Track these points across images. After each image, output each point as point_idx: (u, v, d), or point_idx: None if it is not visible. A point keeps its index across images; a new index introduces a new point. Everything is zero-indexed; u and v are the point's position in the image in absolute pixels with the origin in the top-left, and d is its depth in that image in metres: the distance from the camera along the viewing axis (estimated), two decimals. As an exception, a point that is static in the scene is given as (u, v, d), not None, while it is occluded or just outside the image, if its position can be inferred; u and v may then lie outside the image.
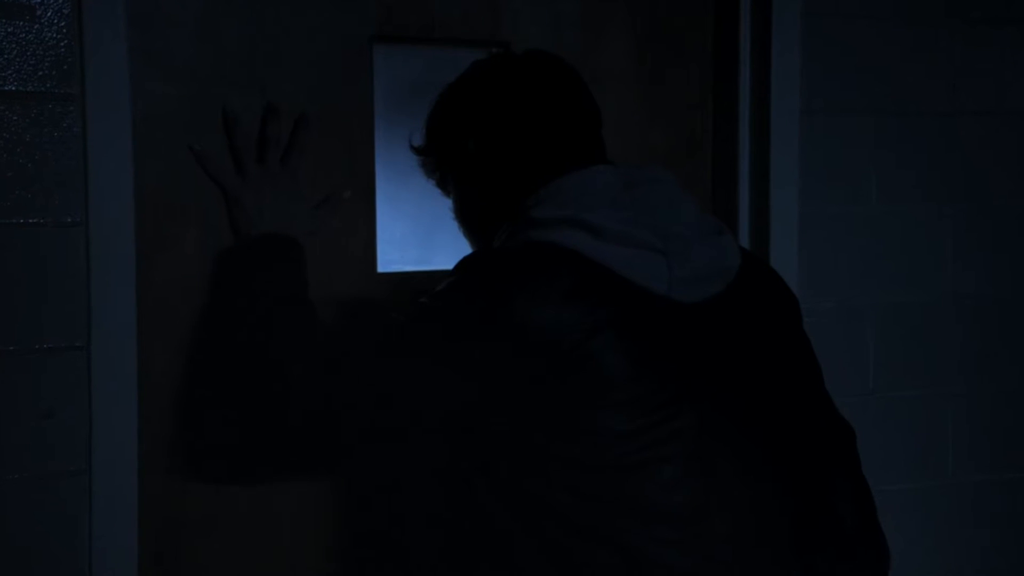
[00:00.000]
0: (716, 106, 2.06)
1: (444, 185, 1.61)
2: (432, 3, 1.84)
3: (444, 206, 1.66)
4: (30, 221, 1.60)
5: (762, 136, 2.02)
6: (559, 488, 1.31)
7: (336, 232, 1.80)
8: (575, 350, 1.28)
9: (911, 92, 2.14)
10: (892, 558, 1.53)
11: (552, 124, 1.48)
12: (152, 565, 1.71)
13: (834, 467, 1.49)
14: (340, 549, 1.83)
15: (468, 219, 1.58)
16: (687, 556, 1.32)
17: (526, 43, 1.88)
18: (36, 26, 1.60)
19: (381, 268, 1.84)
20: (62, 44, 1.62)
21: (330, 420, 1.37)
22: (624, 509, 1.31)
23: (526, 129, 1.48)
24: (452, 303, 1.34)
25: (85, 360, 1.62)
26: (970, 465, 2.23)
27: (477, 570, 1.38)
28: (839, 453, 1.51)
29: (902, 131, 2.13)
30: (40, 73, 1.61)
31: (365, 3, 1.80)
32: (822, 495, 1.47)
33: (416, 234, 1.87)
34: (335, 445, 1.42)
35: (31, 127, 1.60)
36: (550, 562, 1.32)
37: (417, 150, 1.62)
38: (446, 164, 1.57)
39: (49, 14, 1.61)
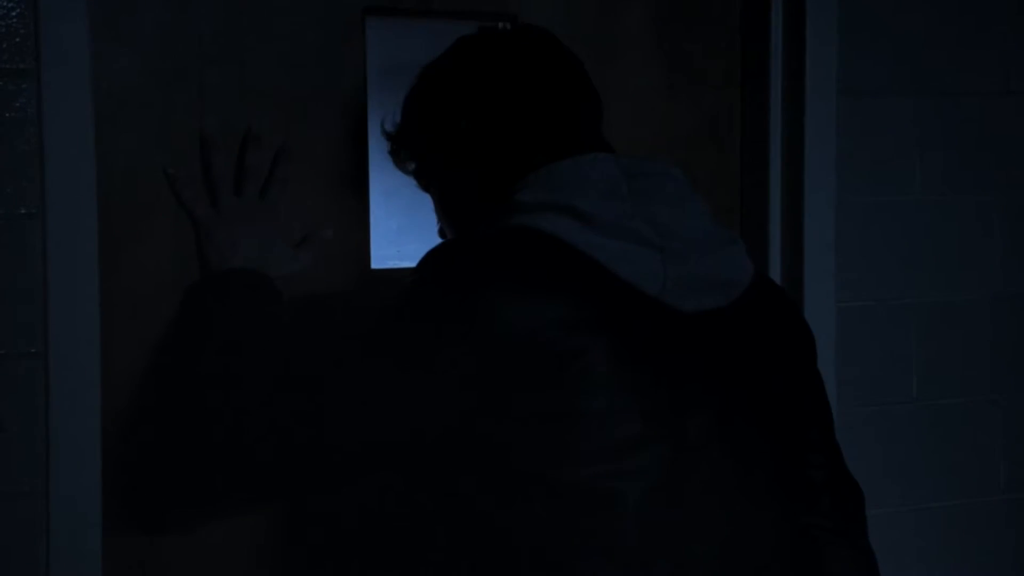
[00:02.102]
0: (744, 85, 1.99)
1: (424, 175, 1.52)
2: (432, -29, 1.77)
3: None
4: (-22, 212, 1.51)
5: (795, 119, 1.95)
6: (522, 514, 1.23)
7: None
8: (552, 351, 1.20)
9: (961, 71, 2.07)
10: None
11: (552, 105, 1.40)
12: (118, 599, 1.62)
13: (840, 535, 1.41)
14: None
15: (454, 212, 1.49)
16: None
17: (535, 15, 1.80)
18: (-17, -7, 1.50)
19: (375, 264, 1.77)
20: (14, 13, 1.51)
21: (297, 450, 1.30)
22: (588, 543, 1.22)
23: (525, 108, 1.40)
24: (419, 302, 1.27)
25: (42, 368, 1.53)
26: (1024, 480, 2.16)
27: None
28: (846, 518, 1.42)
29: (950, 114, 2.06)
30: (-12, 46, 1.51)
31: (357, -30, 1.73)
32: (821, 563, 1.38)
33: (412, 228, 1.78)
34: (302, 476, 1.35)
35: (-22, 107, 1.51)
36: None
37: (394, 135, 1.53)
38: (432, 149, 1.47)
39: (-2, -21, 1.51)
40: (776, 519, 1.33)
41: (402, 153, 1.53)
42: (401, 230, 1.80)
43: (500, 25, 1.80)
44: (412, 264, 1.63)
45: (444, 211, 1.51)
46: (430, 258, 1.31)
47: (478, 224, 1.39)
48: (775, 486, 1.33)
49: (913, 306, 2.05)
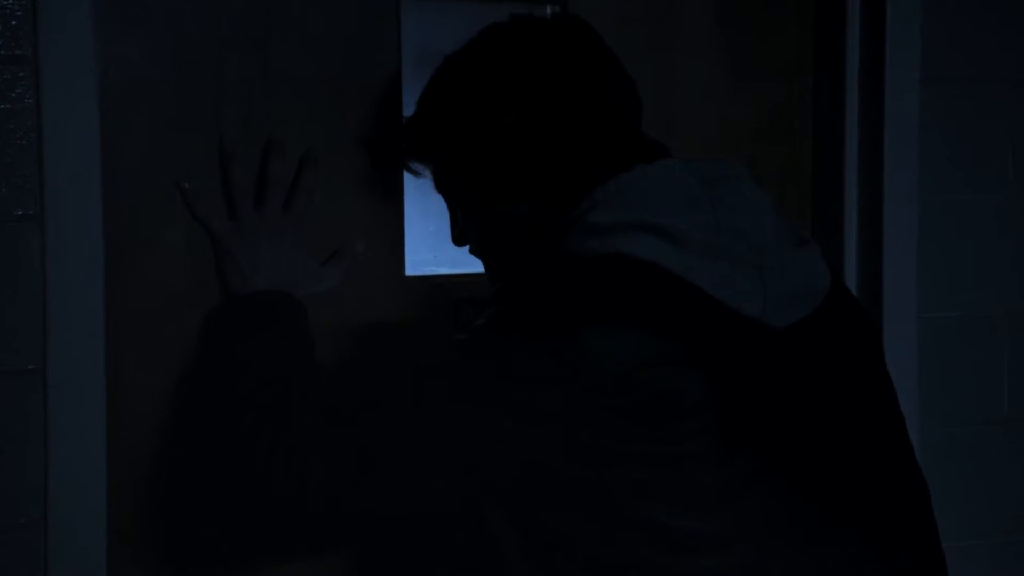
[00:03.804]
0: (817, 73, 1.93)
1: (447, 179, 1.46)
2: (474, -51, 1.72)
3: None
4: (-31, 214, 1.47)
5: (874, 111, 1.88)
6: (624, 554, 1.20)
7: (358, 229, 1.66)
8: (653, 391, 1.17)
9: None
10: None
11: (602, 105, 1.35)
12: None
13: (910, 541, 1.36)
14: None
15: (493, 232, 1.42)
16: None
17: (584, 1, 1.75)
18: (-26, -30, 1.43)
19: (410, 271, 1.71)
20: (8, -7, 1.46)
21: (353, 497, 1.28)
22: None
23: (575, 108, 1.33)
24: (507, 339, 1.21)
25: (40, 386, 1.47)
26: None
27: None
28: (916, 520, 1.38)
29: (1047, 105, 2.00)
30: (-19, 30, 1.44)
31: (391, -52, 1.68)
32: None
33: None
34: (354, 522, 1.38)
35: (-30, 97, 1.46)
36: None
37: (416, 135, 1.46)
38: (463, 154, 1.39)
39: (-9, -45, 1.45)
40: (860, 549, 1.29)
41: (416, 153, 1.48)
42: (439, 233, 1.72)
43: (549, 10, 1.75)
44: (451, 271, 1.73)
45: (474, 225, 1.45)
46: (517, 290, 1.27)
47: (533, 245, 1.34)
48: (861, 510, 1.30)
49: (1004, 316, 1.99)
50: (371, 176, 1.66)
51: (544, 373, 1.18)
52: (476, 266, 1.68)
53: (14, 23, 1.43)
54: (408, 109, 1.64)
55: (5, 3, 1.42)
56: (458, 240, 1.49)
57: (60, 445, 1.47)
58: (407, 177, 1.66)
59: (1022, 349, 1.99)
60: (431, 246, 1.73)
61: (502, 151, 1.35)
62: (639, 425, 1.17)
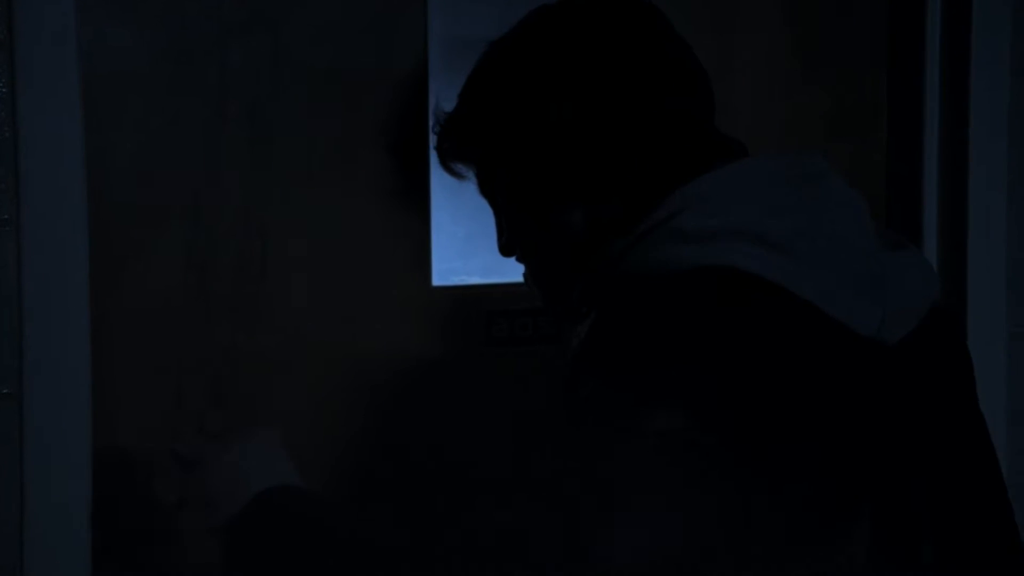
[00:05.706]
0: (894, 61, 1.88)
1: (495, 184, 1.38)
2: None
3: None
4: (-64, 219, 1.44)
5: (957, 103, 1.82)
6: None
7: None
8: (772, 428, 1.11)
9: None
10: None
11: (680, 95, 1.29)
12: None
13: None
14: None
15: (545, 239, 1.35)
16: None
17: (635, -23, 1.72)
18: (-60, -56, 1.38)
19: (437, 281, 1.68)
20: (-21, -31, 1.41)
21: None
22: None
23: (648, 95, 1.27)
24: (632, 373, 1.13)
25: (15, 412, 1.43)
26: None
27: None
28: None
29: None
30: (-53, 11, 1.40)
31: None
32: None
33: (483, 236, 1.63)
34: None
35: (-64, 87, 1.42)
36: None
37: (459, 130, 1.39)
38: (515, 148, 1.33)
39: (-40, -73, 1.39)
40: None
41: (459, 151, 1.40)
42: (469, 238, 1.69)
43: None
44: (483, 280, 1.71)
45: (524, 232, 1.37)
46: (623, 318, 1.20)
47: (592, 253, 1.29)
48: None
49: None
50: (394, 176, 1.63)
51: (679, 414, 1.10)
52: (509, 275, 1.63)
53: (-15, 3, 1.38)
54: (435, 101, 1.57)
55: (-25, -20, 1.37)
56: (505, 250, 1.43)
57: (38, 480, 1.42)
58: (434, 177, 1.63)
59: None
60: (460, 253, 1.70)
61: (560, 147, 1.28)
62: (747, 463, 1.10)
